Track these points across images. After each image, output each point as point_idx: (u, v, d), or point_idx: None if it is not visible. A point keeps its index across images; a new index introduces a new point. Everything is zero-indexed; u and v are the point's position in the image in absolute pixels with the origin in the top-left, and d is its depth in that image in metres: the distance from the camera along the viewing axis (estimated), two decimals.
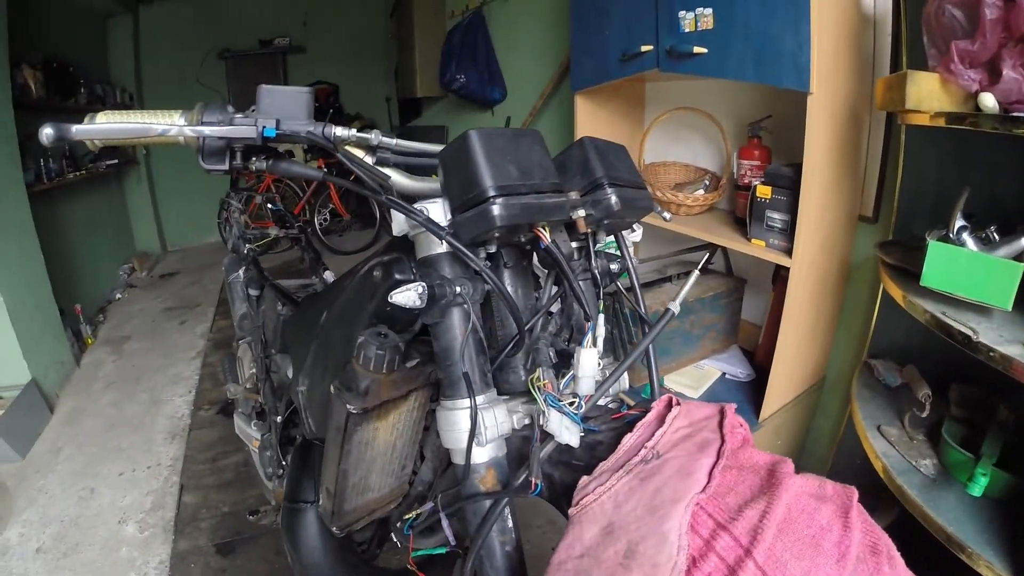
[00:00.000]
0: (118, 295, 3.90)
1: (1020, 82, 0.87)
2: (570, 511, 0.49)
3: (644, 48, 1.61)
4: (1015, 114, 0.88)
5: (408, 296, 0.55)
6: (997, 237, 0.98)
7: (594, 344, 0.59)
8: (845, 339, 1.65)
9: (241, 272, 1.68)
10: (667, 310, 0.68)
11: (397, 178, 0.66)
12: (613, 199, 0.64)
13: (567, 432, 0.55)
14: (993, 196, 1.11)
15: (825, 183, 1.34)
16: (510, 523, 0.59)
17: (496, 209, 0.52)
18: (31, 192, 2.71)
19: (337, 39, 5.69)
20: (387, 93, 5.82)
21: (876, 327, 1.38)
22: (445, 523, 0.67)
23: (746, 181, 1.63)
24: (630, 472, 0.48)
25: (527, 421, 0.63)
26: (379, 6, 5.58)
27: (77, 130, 0.52)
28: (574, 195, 0.64)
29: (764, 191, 1.44)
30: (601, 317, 0.64)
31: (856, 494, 0.46)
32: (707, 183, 1.85)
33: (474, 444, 0.58)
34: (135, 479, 2.05)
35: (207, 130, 0.56)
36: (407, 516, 0.70)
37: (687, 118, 1.88)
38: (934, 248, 0.96)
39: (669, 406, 0.56)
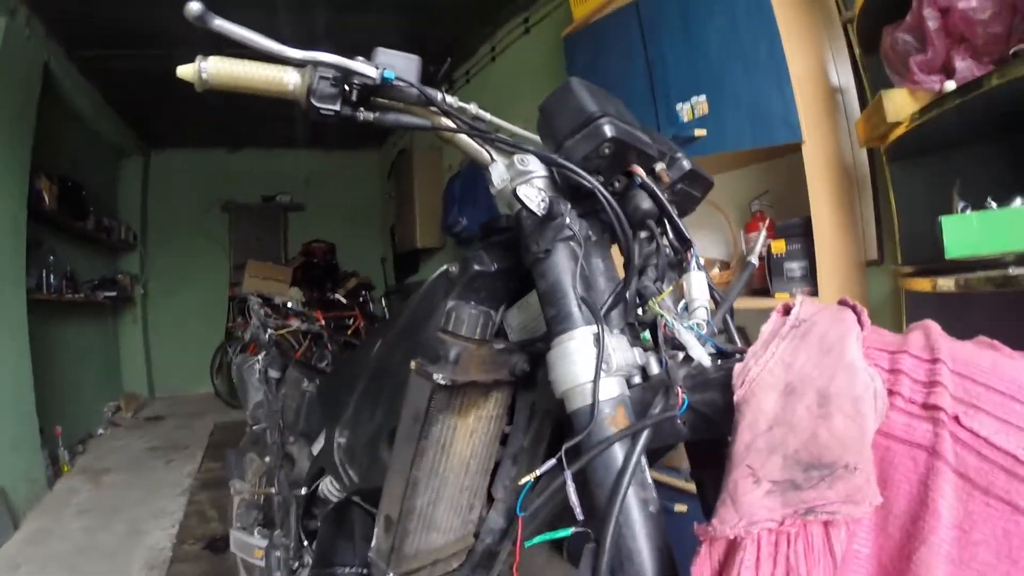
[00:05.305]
0: (100, 431, 3.67)
1: (972, 66, 1.04)
2: (736, 396, 0.45)
3: None
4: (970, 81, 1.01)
5: (531, 191, 0.54)
6: (995, 206, 1.03)
7: (699, 268, 0.60)
8: None
9: (260, 357, 1.62)
10: (748, 263, 0.70)
11: None
12: (685, 162, 0.69)
13: (699, 349, 0.53)
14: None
15: (832, 228, 1.45)
16: (649, 477, 0.51)
17: (606, 124, 0.56)
18: (29, 299, 2.67)
19: (335, 199, 5.85)
20: (382, 253, 5.85)
21: None
22: (571, 488, 0.51)
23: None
24: (784, 338, 0.46)
25: (637, 379, 0.57)
26: (375, 169, 5.93)
27: (218, 23, 0.53)
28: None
29: (779, 246, 1.52)
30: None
31: None
32: (718, 268, 1.94)
33: (601, 375, 0.50)
34: None
35: (325, 57, 0.57)
36: (523, 481, 0.57)
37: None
38: (947, 221, 1.00)
39: (787, 308, 0.55)
